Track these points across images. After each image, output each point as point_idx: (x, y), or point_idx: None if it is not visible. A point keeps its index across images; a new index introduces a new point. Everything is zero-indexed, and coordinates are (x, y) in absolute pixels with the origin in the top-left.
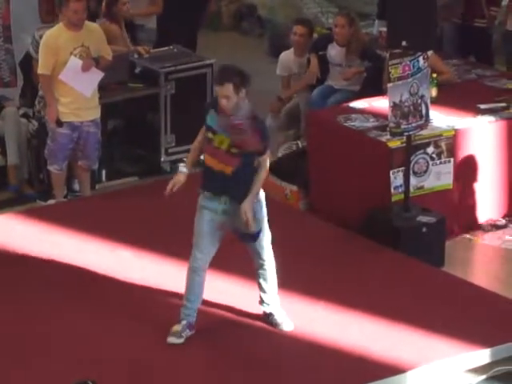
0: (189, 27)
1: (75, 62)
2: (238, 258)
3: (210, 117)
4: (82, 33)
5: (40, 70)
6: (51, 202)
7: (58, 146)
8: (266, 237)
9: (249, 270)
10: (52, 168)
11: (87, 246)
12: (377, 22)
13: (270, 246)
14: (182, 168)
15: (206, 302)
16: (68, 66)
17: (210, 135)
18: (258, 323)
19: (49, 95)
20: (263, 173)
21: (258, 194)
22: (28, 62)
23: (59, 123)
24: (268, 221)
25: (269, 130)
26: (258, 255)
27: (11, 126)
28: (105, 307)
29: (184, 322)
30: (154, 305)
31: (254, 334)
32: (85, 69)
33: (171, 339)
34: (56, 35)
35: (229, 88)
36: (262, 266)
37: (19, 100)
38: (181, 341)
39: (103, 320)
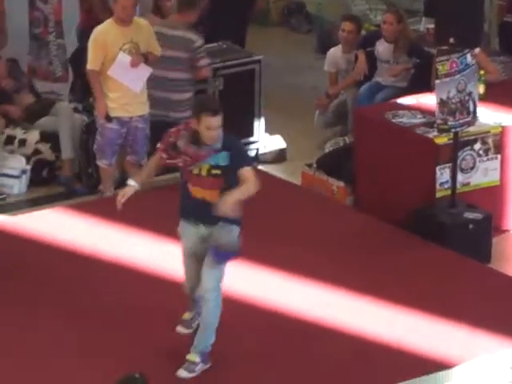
0: (237, 23)
1: (124, 58)
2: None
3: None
4: (131, 29)
5: (89, 66)
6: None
7: (106, 141)
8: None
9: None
10: (101, 163)
11: (135, 240)
12: (424, 19)
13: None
14: (131, 182)
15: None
16: (117, 62)
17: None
18: (301, 317)
19: (98, 91)
20: (248, 184)
21: (239, 197)
22: (78, 57)
23: (108, 118)
24: (315, 216)
25: (316, 126)
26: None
27: (65, 121)
28: (154, 300)
29: (193, 313)
30: None
31: (297, 326)
32: (134, 65)
33: (180, 328)
34: (105, 31)
35: (220, 117)
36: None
37: (69, 95)
38: (190, 331)
39: (152, 312)
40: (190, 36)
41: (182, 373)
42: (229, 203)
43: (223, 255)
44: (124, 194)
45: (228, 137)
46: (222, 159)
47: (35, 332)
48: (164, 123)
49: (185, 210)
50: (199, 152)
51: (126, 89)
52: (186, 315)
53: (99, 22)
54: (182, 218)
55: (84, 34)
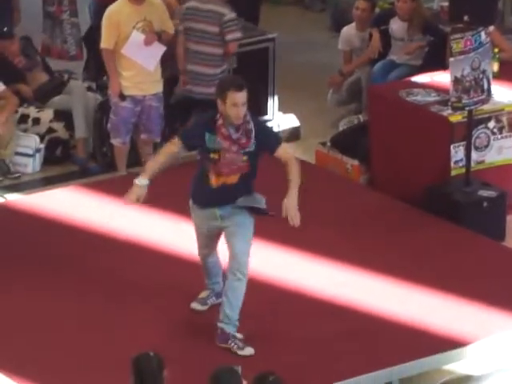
0: (251, 1)
1: (138, 37)
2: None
3: (208, 140)
4: (144, 7)
5: (102, 45)
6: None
7: (120, 119)
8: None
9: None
10: (115, 141)
11: (149, 218)
12: None
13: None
14: (142, 181)
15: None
16: (130, 41)
17: (214, 156)
18: (316, 295)
19: (111, 69)
20: (293, 166)
21: (297, 190)
22: (92, 36)
23: (122, 97)
24: (329, 194)
25: (330, 104)
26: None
27: (78, 100)
28: (168, 277)
29: (209, 291)
30: None
31: (302, 305)
32: (147, 43)
33: (195, 305)
34: (118, 9)
35: (245, 94)
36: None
37: (83, 73)
38: (205, 308)
39: (162, 292)
40: (221, 10)
41: None
42: (294, 206)
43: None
44: (140, 197)
45: (256, 119)
46: (250, 145)
47: (49, 309)
48: (196, 100)
49: (201, 198)
50: (241, 139)
51: (139, 67)
52: (203, 293)
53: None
54: (196, 204)
55: (98, 12)
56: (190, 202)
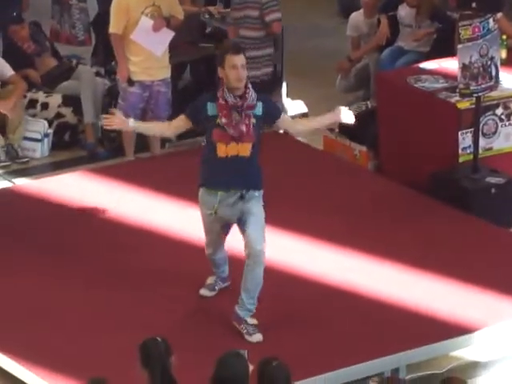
0: None
1: (146, 22)
2: None
3: (210, 108)
4: None
5: (111, 29)
6: None
7: (128, 104)
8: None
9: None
10: None
11: (156, 204)
12: None
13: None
14: (132, 123)
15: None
16: (139, 26)
17: (222, 120)
18: (323, 281)
19: (120, 54)
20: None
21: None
22: (100, 21)
23: (130, 82)
24: (337, 180)
25: (338, 91)
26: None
27: (87, 85)
28: (176, 263)
29: (215, 276)
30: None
31: (309, 292)
32: (156, 28)
33: (203, 291)
34: None
35: (243, 57)
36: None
37: (91, 59)
38: (213, 293)
39: (168, 277)
40: None
41: None
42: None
43: None
44: (122, 122)
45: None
46: (257, 109)
47: (57, 295)
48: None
49: (211, 177)
50: (246, 98)
51: (148, 53)
52: (210, 279)
53: None
54: (207, 186)
55: None
56: (200, 191)
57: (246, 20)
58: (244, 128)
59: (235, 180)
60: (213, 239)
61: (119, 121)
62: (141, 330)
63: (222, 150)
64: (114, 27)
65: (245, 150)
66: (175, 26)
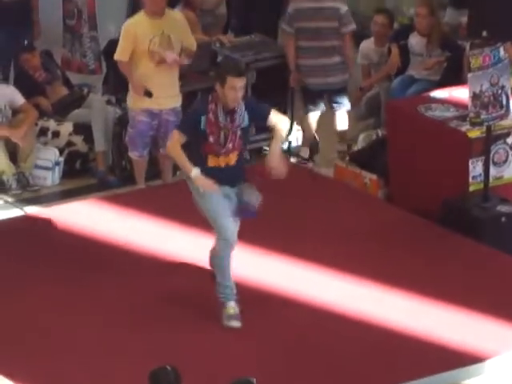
0: (270, 15)
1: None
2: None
3: (203, 122)
4: (164, 21)
5: (116, 56)
6: None
7: (137, 132)
8: None
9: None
10: (132, 154)
11: (168, 232)
12: (448, 9)
13: None
14: (196, 171)
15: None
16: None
17: (210, 139)
18: (332, 308)
19: (129, 76)
20: (278, 125)
21: (280, 145)
22: (111, 50)
23: (148, 94)
24: (347, 208)
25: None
26: None
27: (98, 113)
28: (186, 291)
29: (233, 302)
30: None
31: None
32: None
33: (234, 323)
34: (136, 22)
35: (244, 78)
36: None
37: (102, 87)
38: (239, 324)
39: (182, 305)
40: (338, 5)
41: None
42: (277, 157)
43: (246, 213)
44: (210, 185)
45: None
46: (244, 122)
47: (67, 323)
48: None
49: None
50: (234, 119)
51: (156, 82)
52: (230, 309)
53: None
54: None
55: None
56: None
57: (318, 31)
58: (230, 145)
59: (225, 182)
60: (225, 216)
61: (203, 180)
62: (151, 355)
63: (213, 161)
64: (119, 54)
65: (233, 158)
66: (188, 57)
